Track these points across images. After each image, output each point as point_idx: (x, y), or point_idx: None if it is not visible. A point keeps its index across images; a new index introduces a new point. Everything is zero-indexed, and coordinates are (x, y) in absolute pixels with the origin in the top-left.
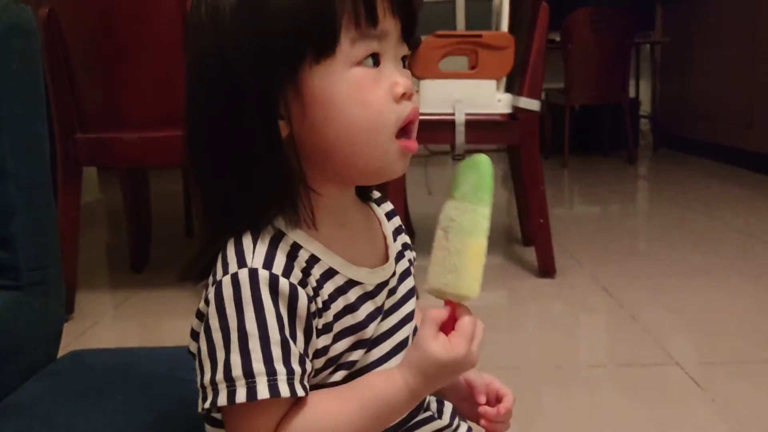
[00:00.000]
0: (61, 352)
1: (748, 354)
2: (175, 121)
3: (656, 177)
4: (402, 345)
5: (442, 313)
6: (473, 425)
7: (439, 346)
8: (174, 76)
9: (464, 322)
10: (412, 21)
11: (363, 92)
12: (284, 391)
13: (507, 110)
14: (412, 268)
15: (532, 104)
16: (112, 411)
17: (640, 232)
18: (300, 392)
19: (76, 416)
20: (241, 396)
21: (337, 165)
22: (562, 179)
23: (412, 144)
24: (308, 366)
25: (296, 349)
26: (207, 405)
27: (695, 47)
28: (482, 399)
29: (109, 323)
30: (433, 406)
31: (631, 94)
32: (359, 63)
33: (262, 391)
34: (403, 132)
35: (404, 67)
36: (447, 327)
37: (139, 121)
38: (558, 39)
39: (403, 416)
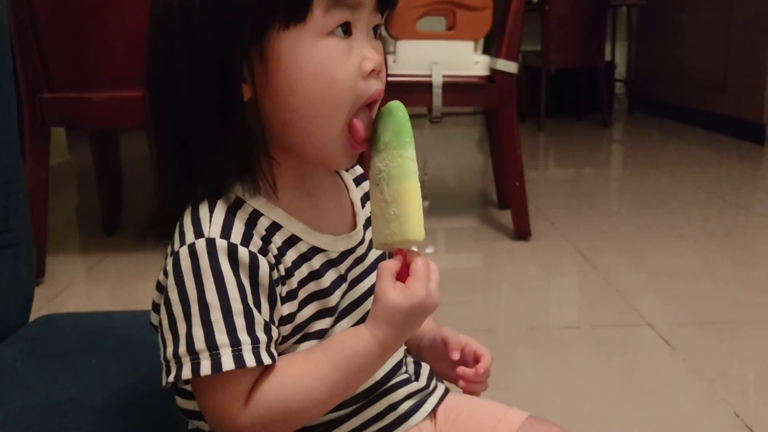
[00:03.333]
0: (33, 317)
1: (719, 315)
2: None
3: (630, 140)
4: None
5: (394, 263)
6: (451, 386)
7: (398, 294)
8: (144, 34)
9: (417, 265)
10: None
11: (330, 67)
12: (250, 360)
13: (485, 72)
14: None
15: (510, 66)
16: (86, 375)
17: (615, 195)
18: (266, 360)
19: (51, 380)
20: (205, 368)
21: (293, 138)
22: (538, 142)
23: (359, 140)
24: (274, 333)
25: (260, 318)
26: (171, 378)
27: (671, 11)
28: (456, 355)
29: (81, 287)
30: (411, 368)
31: (607, 57)
32: (330, 33)
33: (227, 363)
34: (361, 110)
35: (375, 37)
36: (402, 275)
37: (109, 80)
38: (535, 0)
39: (377, 372)
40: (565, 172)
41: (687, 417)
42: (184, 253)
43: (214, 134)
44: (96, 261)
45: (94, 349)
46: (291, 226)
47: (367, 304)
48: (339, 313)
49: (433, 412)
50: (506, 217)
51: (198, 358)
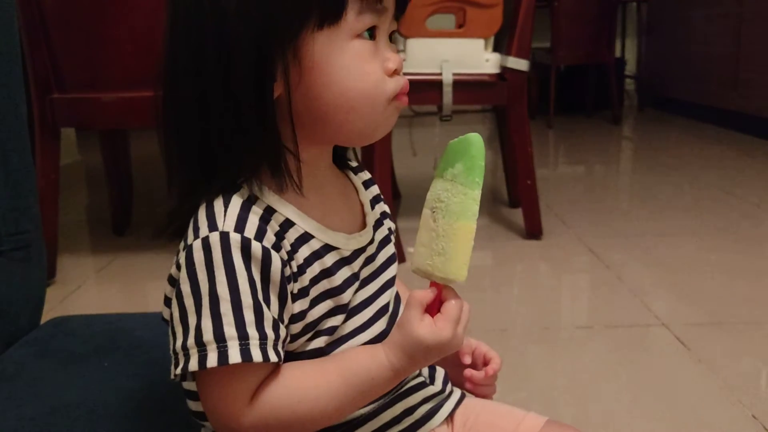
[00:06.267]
0: (44, 318)
1: (735, 314)
2: (155, 81)
3: (641, 137)
4: (382, 311)
5: (427, 294)
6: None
7: (425, 329)
8: (155, 34)
9: (450, 305)
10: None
11: (362, 63)
12: (256, 355)
13: (495, 70)
14: (392, 237)
15: (521, 64)
16: (99, 378)
17: (626, 193)
18: (273, 357)
19: (63, 383)
20: (212, 360)
21: (332, 128)
22: (548, 140)
23: (405, 99)
24: (282, 332)
25: (270, 314)
26: (179, 371)
27: (681, 6)
28: (467, 360)
29: (92, 287)
30: (425, 371)
31: (617, 53)
32: (359, 35)
33: (234, 356)
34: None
35: (390, 41)
36: (432, 308)
37: (119, 80)
38: None
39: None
40: (575, 169)
41: (703, 419)
42: (197, 245)
43: (240, 133)
44: (106, 261)
45: (106, 351)
46: (304, 224)
47: (378, 303)
48: (350, 311)
49: (450, 417)
50: (517, 215)
51: (205, 350)
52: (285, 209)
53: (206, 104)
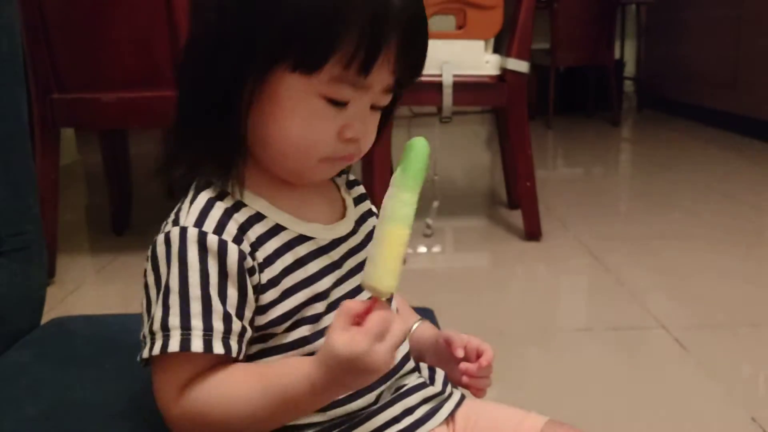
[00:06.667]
0: (44, 318)
1: (734, 317)
2: (155, 81)
3: (640, 139)
4: None
5: (359, 304)
6: (467, 392)
7: (340, 339)
8: (154, 35)
9: (372, 317)
10: (410, 81)
11: (314, 119)
12: (197, 346)
13: (495, 72)
14: (375, 215)
15: (521, 65)
16: (100, 379)
17: (625, 195)
18: (218, 350)
19: (64, 385)
20: (156, 348)
21: (268, 156)
22: (547, 141)
23: (349, 161)
24: (236, 325)
25: (220, 307)
26: (138, 358)
27: (681, 8)
28: (460, 353)
29: (92, 288)
30: (425, 372)
31: (616, 55)
32: (325, 97)
33: (173, 345)
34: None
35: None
36: (362, 321)
37: (119, 80)
38: None
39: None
40: (574, 171)
41: (702, 422)
42: (160, 240)
43: (208, 125)
44: (106, 262)
45: (107, 352)
46: (274, 216)
47: (362, 296)
48: (334, 302)
49: (451, 417)
50: (516, 217)
51: (154, 338)
52: (255, 203)
53: (192, 90)
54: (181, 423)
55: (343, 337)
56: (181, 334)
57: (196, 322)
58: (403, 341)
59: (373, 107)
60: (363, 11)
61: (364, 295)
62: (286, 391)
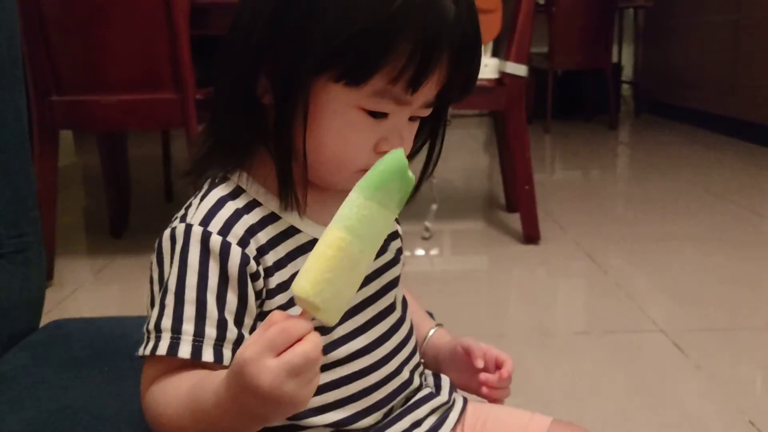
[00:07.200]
0: (42, 320)
1: (732, 321)
2: (153, 83)
3: (638, 143)
4: (384, 314)
5: (284, 315)
6: (469, 395)
7: (245, 346)
8: (153, 37)
9: (273, 328)
10: (459, 99)
11: (350, 131)
12: (184, 351)
13: (494, 75)
14: (398, 238)
15: (520, 69)
16: (98, 382)
17: (623, 198)
18: (207, 357)
19: (62, 388)
20: (148, 348)
21: (308, 161)
22: (545, 144)
23: None
24: (232, 333)
25: (216, 313)
26: (138, 354)
27: (678, 13)
28: (480, 363)
29: (90, 290)
30: (431, 380)
31: (614, 59)
32: (364, 109)
33: (162, 348)
34: None
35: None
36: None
37: (117, 83)
38: (542, 2)
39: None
40: (572, 174)
41: (700, 425)
42: (166, 235)
43: (235, 115)
44: (104, 264)
45: (106, 355)
46: (289, 217)
47: (380, 304)
48: (348, 311)
49: (459, 421)
50: (514, 220)
51: (148, 337)
52: (270, 203)
53: (227, 79)
54: (145, 415)
55: (248, 344)
56: (171, 338)
57: (188, 327)
58: (306, 367)
59: (411, 118)
60: (417, 27)
61: (382, 304)
62: (198, 400)
